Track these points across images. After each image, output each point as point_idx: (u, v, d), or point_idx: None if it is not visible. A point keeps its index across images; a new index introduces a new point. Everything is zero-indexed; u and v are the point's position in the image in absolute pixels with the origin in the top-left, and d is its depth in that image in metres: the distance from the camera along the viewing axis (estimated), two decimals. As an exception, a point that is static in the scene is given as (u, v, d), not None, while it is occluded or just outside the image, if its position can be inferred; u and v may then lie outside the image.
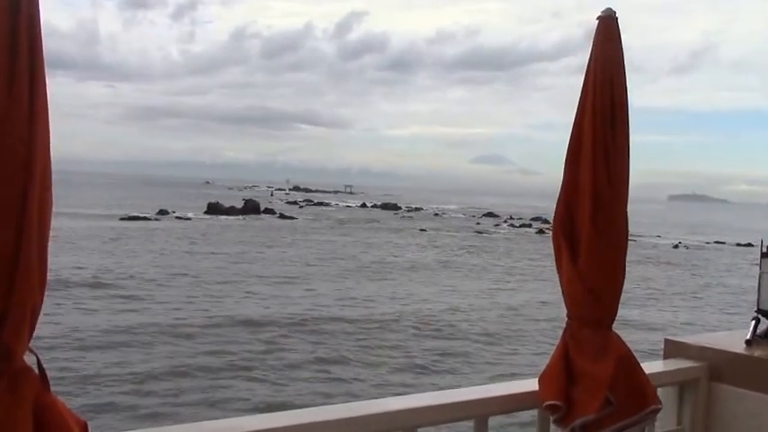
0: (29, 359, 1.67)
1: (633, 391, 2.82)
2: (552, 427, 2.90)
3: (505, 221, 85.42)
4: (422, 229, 69.29)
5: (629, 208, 2.86)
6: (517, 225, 79.73)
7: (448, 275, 36.54)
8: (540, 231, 69.16)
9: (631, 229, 2.97)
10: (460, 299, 29.11)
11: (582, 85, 2.83)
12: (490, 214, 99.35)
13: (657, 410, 2.90)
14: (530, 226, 77.82)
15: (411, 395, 2.94)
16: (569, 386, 2.78)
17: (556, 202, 2.89)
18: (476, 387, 3.11)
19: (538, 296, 29.52)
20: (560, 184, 2.89)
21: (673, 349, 3.65)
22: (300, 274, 33.76)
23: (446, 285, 32.91)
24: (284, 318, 23.15)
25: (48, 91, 1.68)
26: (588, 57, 2.81)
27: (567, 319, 2.88)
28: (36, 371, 1.68)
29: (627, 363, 2.83)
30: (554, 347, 2.91)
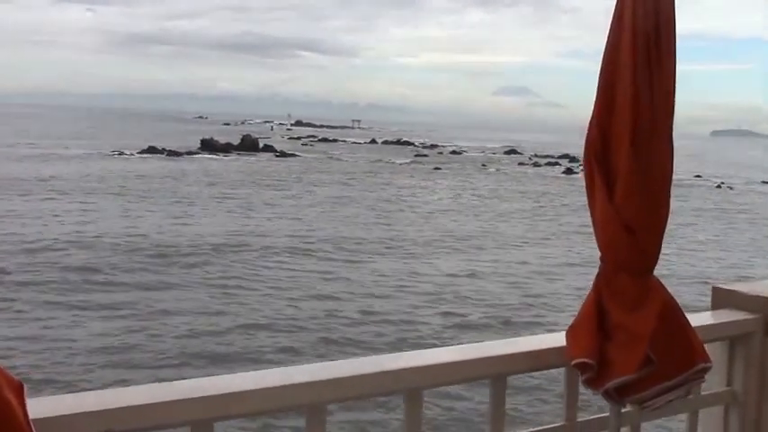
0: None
1: (678, 346, 2.63)
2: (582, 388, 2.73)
3: (530, 159, 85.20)
4: (437, 168, 69.21)
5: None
6: (542, 164, 79.40)
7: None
8: (569, 171, 68.94)
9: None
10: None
11: None
12: (513, 151, 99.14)
13: (707, 369, 2.71)
14: (557, 164, 77.45)
15: (416, 351, 2.77)
16: (603, 341, 2.59)
17: (588, 124, 2.68)
18: (492, 342, 2.94)
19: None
20: (593, 102, 2.67)
21: (722, 299, 3.44)
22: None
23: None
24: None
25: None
26: None
27: (599, 262, 2.68)
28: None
29: (670, 314, 2.63)
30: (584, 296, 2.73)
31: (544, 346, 2.77)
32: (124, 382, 12.80)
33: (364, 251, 27.72)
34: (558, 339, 2.74)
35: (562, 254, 28.05)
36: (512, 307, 20.52)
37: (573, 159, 78.24)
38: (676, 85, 2.62)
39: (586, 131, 2.66)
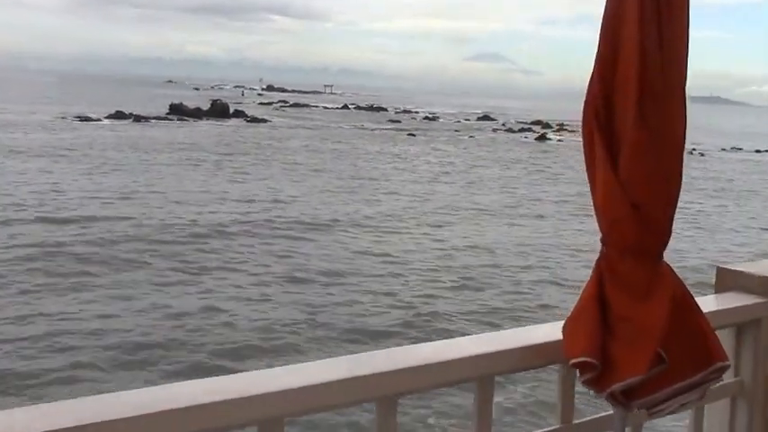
0: None
1: (693, 342, 2.30)
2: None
3: (504, 125, 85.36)
4: (410, 134, 69.14)
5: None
6: (516, 130, 79.66)
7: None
8: (542, 137, 69.65)
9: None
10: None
11: None
12: (487, 117, 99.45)
13: (725, 368, 2.38)
14: (530, 130, 77.82)
15: (388, 350, 2.37)
16: (606, 337, 2.24)
17: (588, 81, 2.29)
18: (476, 337, 2.57)
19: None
20: (594, 57, 2.28)
21: (727, 280, 3.15)
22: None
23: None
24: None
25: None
26: None
27: (601, 245, 2.32)
28: None
29: (683, 305, 2.29)
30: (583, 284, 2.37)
31: (536, 341, 2.43)
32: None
33: (335, 223, 26.89)
34: (549, 333, 2.42)
35: (535, 227, 27.61)
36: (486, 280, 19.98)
37: (546, 125, 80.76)
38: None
39: (587, 88, 2.29)
